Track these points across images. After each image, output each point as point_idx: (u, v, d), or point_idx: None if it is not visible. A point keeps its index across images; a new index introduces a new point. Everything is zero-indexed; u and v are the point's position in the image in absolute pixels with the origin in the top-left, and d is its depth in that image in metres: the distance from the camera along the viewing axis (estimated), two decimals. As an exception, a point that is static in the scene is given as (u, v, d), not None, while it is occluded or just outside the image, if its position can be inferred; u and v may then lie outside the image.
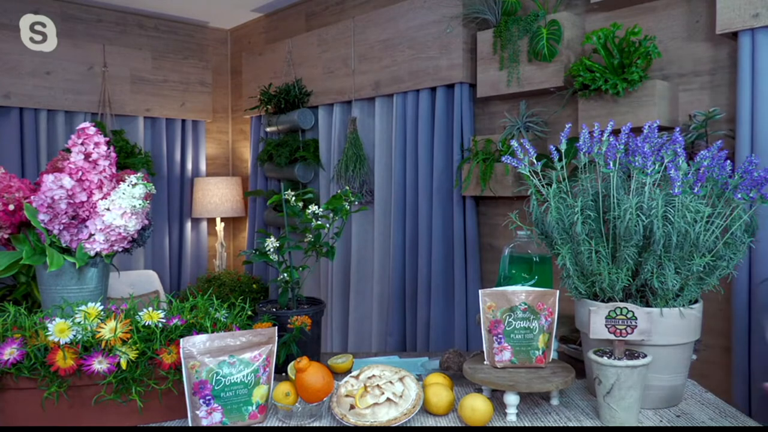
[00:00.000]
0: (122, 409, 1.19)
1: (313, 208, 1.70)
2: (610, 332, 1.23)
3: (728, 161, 1.30)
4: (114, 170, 1.43)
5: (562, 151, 1.46)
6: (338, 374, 1.58)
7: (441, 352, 1.84)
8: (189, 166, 4.22)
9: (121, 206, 1.37)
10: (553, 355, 1.41)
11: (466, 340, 2.69)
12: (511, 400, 1.26)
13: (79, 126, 1.39)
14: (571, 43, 2.33)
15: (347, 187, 2.31)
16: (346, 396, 1.25)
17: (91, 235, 1.38)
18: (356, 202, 1.76)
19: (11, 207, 1.38)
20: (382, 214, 3.11)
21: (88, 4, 3.82)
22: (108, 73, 3.78)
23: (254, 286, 3.75)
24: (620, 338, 1.22)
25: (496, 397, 1.35)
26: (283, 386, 1.26)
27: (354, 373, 1.31)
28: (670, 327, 1.27)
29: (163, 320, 1.24)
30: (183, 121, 4.18)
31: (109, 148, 1.42)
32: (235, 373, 1.18)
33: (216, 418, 1.16)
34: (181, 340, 1.16)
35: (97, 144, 1.39)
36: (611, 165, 1.36)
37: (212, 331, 1.26)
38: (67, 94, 3.63)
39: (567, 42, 2.31)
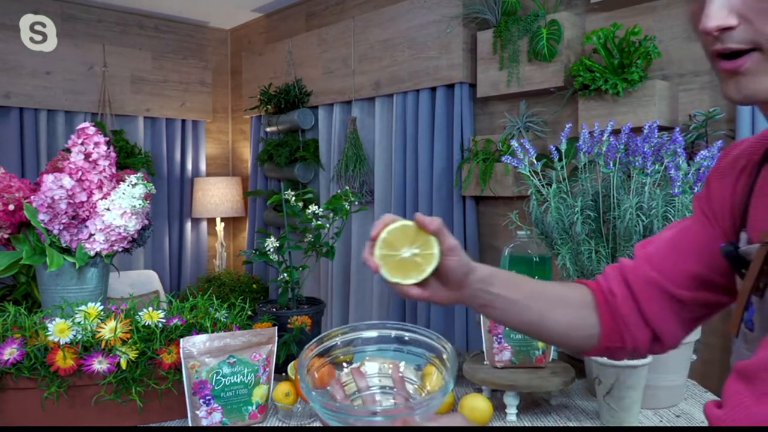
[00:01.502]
0: (122, 409, 1.19)
1: (313, 208, 1.71)
2: (610, 332, 1.23)
3: (728, 161, 1.30)
4: (114, 170, 1.43)
5: (562, 151, 1.46)
6: (338, 374, 1.58)
7: (441, 352, 1.84)
8: (189, 166, 4.22)
9: (121, 206, 1.37)
10: (553, 355, 1.41)
11: (466, 340, 2.69)
12: (511, 400, 1.26)
13: (79, 126, 1.39)
14: (571, 43, 2.33)
15: (347, 187, 2.31)
16: (346, 396, 1.25)
17: (91, 235, 1.38)
18: (356, 202, 1.76)
19: (11, 207, 1.38)
20: (382, 214, 3.11)
21: (88, 4, 3.82)
22: (108, 73, 3.78)
23: (254, 286, 3.75)
24: (620, 338, 1.22)
25: (496, 397, 1.35)
26: (283, 386, 1.26)
27: (354, 373, 1.30)
28: (670, 327, 1.27)
29: (163, 320, 1.24)
30: (183, 121, 4.18)
31: (109, 148, 1.42)
32: (235, 373, 1.18)
33: (216, 418, 1.16)
34: (181, 340, 1.16)
35: (97, 144, 1.39)
36: (611, 165, 1.36)
37: (212, 331, 1.26)
38: (67, 94, 3.63)
39: (567, 42, 2.31)
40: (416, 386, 0.73)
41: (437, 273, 0.73)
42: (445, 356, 0.71)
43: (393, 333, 0.76)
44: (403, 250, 0.71)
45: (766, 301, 0.63)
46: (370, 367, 0.76)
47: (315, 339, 0.76)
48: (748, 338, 0.67)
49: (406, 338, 0.76)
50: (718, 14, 0.57)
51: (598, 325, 0.83)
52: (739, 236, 0.72)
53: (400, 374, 0.74)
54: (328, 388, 0.72)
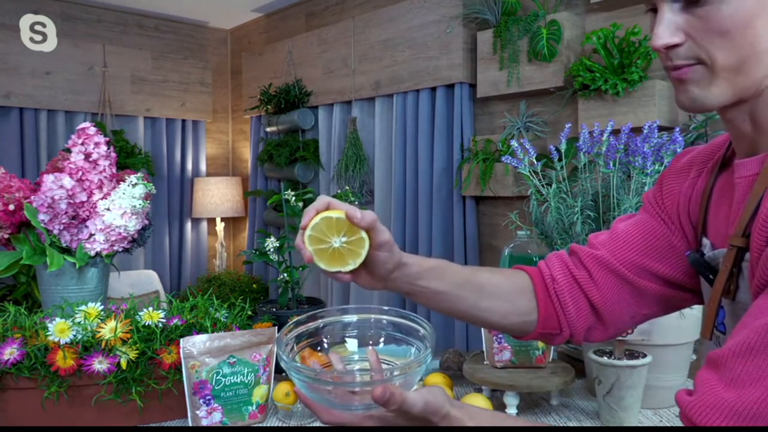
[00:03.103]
0: (122, 409, 1.19)
1: (313, 208, 1.70)
2: (610, 332, 1.23)
3: (728, 161, 1.30)
4: (114, 170, 1.43)
5: (562, 151, 1.46)
6: (338, 374, 1.58)
7: (441, 352, 1.85)
8: (189, 166, 4.22)
9: (122, 206, 1.37)
10: (553, 355, 1.41)
11: (466, 340, 2.69)
12: (511, 400, 1.26)
13: (79, 126, 1.39)
14: (571, 43, 2.33)
15: (347, 187, 2.31)
16: (346, 396, 1.25)
17: (91, 235, 1.38)
18: (356, 202, 1.76)
19: (11, 207, 1.38)
20: (382, 214, 3.11)
21: (88, 4, 3.82)
22: (108, 73, 3.77)
23: (254, 286, 3.75)
24: (620, 338, 1.22)
25: (496, 397, 1.35)
26: (283, 386, 1.26)
27: (354, 373, 1.30)
28: (670, 327, 1.27)
29: (163, 320, 1.24)
30: (183, 121, 4.18)
31: (109, 148, 1.42)
32: (235, 372, 1.18)
33: (216, 418, 1.16)
34: (181, 340, 1.16)
35: (97, 144, 1.39)
36: (611, 165, 1.36)
37: (212, 331, 1.26)
38: (67, 94, 3.63)
39: (567, 42, 2.31)
40: (393, 367, 0.75)
41: (364, 261, 0.73)
42: (422, 333, 0.74)
43: (372, 317, 0.80)
44: (333, 239, 0.71)
45: (737, 303, 0.64)
46: (351, 344, 0.79)
47: (295, 320, 0.78)
48: (721, 341, 0.68)
49: (385, 321, 0.79)
50: (665, 34, 0.63)
51: (535, 310, 0.84)
52: (701, 242, 0.74)
53: (378, 357, 0.76)
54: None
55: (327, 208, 0.72)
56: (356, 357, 0.78)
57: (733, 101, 0.63)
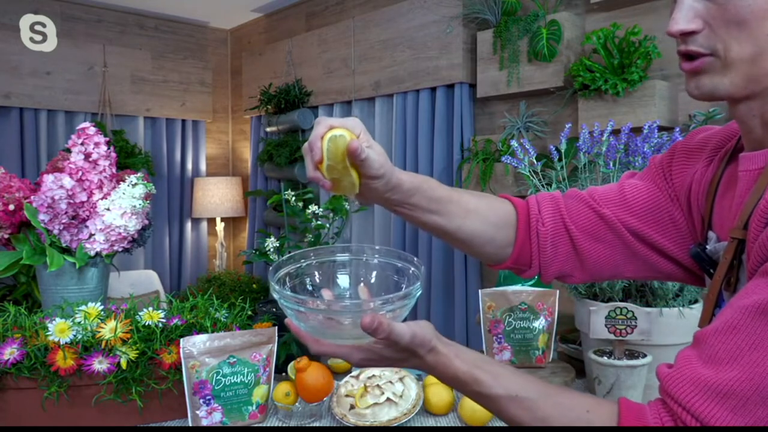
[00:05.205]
0: (122, 409, 1.19)
1: (313, 208, 1.71)
2: (609, 332, 1.23)
3: (728, 161, 1.30)
4: (114, 170, 1.43)
5: (562, 151, 1.46)
6: (338, 374, 1.58)
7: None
8: (189, 166, 4.22)
9: (121, 206, 1.37)
10: (553, 355, 1.41)
11: (466, 340, 2.69)
12: (511, 400, 1.26)
13: (79, 126, 1.39)
14: (571, 43, 2.33)
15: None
16: (346, 396, 1.25)
17: (91, 235, 1.38)
18: (356, 202, 1.76)
19: (11, 207, 1.38)
20: (382, 214, 3.11)
21: (88, 4, 3.82)
22: (108, 73, 3.77)
23: (254, 286, 3.75)
24: (620, 338, 1.22)
25: (496, 397, 1.34)
26: (283, 386, 1.26)
27: (354, 373, 1.31)
28: (670, 327, 1.27)
29: (163, 320, 1.24)
30: (183, 121, 4.18)
31: (109, 148, 1.42)
32: (235, 372, 1.18)
33: (216, 418, 1.16)
34: (181, 340, 1.16)
35: (97, 144, 1.39)
36: (611, 165, 1.36)
37: (212, 331, 1.26)
38: (67, 94, 3.62)
39: (567, 42, 2.31)
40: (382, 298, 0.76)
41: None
42: (412, 271, 0.77)
43: (364, 257, 0.81)
44: (342, 169, 0.73)
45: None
46: (342, 280, 0.80)
47: (288, 256, 0.79)
48: None
49: (376, 261, 0.80)
50: (682, 20, 0.62)
51: (512, 245, 0.85)
52: (707, 236, 0.75)
53: (369, 293, 0.77)
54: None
55: (329, 130, 0.73)
56: (347, 294, 0.80)
57: (743, 93, 0.63)
